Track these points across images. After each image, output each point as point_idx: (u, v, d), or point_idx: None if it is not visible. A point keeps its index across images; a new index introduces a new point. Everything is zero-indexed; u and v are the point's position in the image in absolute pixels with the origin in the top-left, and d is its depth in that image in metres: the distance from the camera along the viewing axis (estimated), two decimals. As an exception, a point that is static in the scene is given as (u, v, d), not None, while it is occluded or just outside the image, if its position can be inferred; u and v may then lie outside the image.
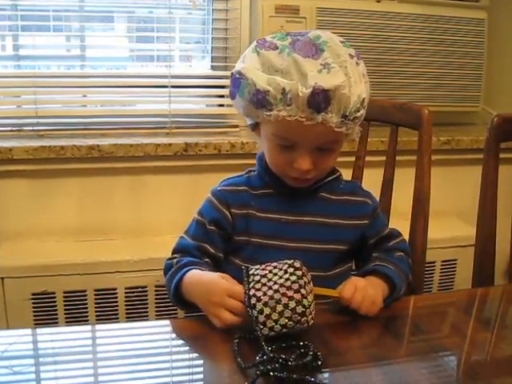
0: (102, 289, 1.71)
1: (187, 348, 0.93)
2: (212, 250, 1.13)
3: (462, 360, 0.91)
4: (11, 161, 1.74)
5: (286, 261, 0.96)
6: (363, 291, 1.00)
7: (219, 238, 1.14)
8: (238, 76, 1.05)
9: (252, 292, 0.91)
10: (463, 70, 2.18)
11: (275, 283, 0.91)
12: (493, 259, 1.30)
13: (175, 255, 1.16)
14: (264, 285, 0.92)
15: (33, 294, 1.67)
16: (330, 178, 1.16)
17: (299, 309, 0.89)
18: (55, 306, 1.69)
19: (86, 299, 1.71)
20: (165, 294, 1.75)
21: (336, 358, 0.87)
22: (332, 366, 0.85)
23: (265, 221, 1.12)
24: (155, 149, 1.83)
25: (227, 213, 1.14)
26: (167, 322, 1.29)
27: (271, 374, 0.78)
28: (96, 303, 1.72)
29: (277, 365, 0.79)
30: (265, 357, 0.81)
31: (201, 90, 2.02)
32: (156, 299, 1.76)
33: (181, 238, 1.18)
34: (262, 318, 0.89)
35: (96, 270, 1.70)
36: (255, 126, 1.13)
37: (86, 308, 1.72)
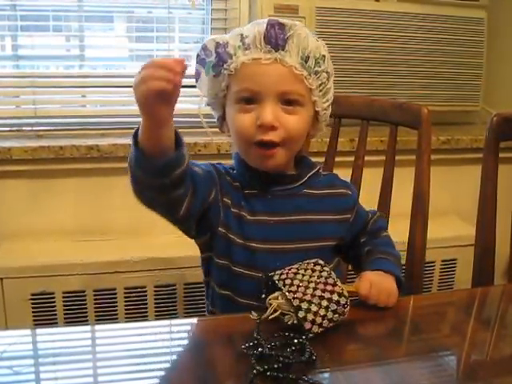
0: (101, 289, 1.71)
1: (187, 348, 0.92)
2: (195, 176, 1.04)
3: (461, 360, 0.90)
4: (10, 161, 1.74)
5: (306, 261, 0.97)
6: (378, 286, 1.01)
7: (205, 185, 1.06)
8: (202, 54, 1.06)
9: (290, 295, 0.90)
10: (463, 69, 2.18)
11: (309, 282, 0.92)
12: (493, 258, 1.30)
13: None
14: (299, 286, 0.92)
15: (32, 295, 1.66)
16: (310, 174, 1.15)
17: (343, 300, 0.92)
18: (54, 306, 1.69)
19: (85, 299, 1.71)
20: (164, 294, 1.76)
21: (335, 357, 0.87)
22: (331, 366, 0.85)
23: (255, 224, 1.09)
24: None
25: (214, 196, 1.08)
26: (166, 322, 1.29)
27: (268, 373, 0.77)
28: (95, 303, 1.72)
29: (275, 365, 0.79)
30: (260, 349, 0.82)
31: (200, 90, 2.02)
32: (155, 299, 1.76)
33: None
34: (310, 317, 0.89)
35: (95, 270, 1.69)
36: (223, 119, 1.13)
37: (86, 308, 1.71)
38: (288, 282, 0.93)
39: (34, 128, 1.87)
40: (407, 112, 1.35)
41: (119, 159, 1.82)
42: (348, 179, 1.41)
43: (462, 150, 2.13)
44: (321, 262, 0.97)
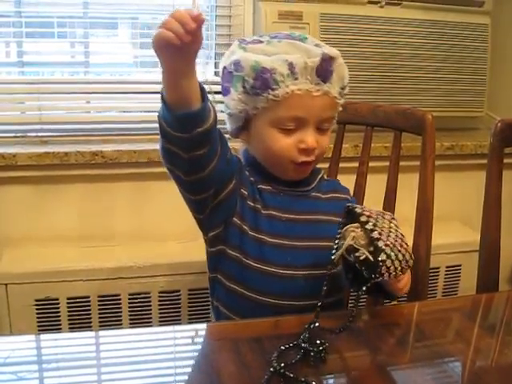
0: (106, 295, 1.71)
1: (191, 354, 0.92)
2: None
3: (466, 366, 0.90)
4: (15, 167, 1.74)
5: (380, 211, 0.99)
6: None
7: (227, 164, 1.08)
8: (231, 69, 1.06)
9: (375, 234, 0.92)
10: (467, 75, 2.18)
11: (389, 231, 0.94)
12: (497, 265, 1.30)
13: None
14: (382, 230, 0.93)
15: (36, 300, 1.66)
16: (318, 178, 1.20)
17: (410, 262, 0.94)
18: (58, 312, 1.69)
19: (89, 305, 1.70)
20: (168, 300, 1.75)
21: (340, 364, 0.86)
22: (336, 372, 0.85)
23: (267, 218, 1.12)
24: (159, 155, 1.82)
25: (235, 185, 1.10)
26: (171, 328, 1.29)
27: (276, 371, 0.78)
28: (99, 309, 1.72)
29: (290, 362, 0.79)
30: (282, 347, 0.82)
31: (204, 96, 2.02)
32: (159, 305, 1.76)
33: None
34: (389, 263, 0.91)
35: (99, 276, 1.69)
36: (242, 129, 1.14)
37: (90, 314, 1.71)
38: (372, 221, 0.93)
39: (39, 134, 1.87)
40: (411, 118, 1.35)
41: (123, 165, 1.82)
42: (352, 185, 1.41)
43: (466, 156, 2.13)
44: (395, 217, 0.98)
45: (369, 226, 0.92)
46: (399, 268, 0.92)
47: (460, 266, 2.02)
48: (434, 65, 2.13)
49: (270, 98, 1.04)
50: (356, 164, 1.46)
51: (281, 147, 1.09)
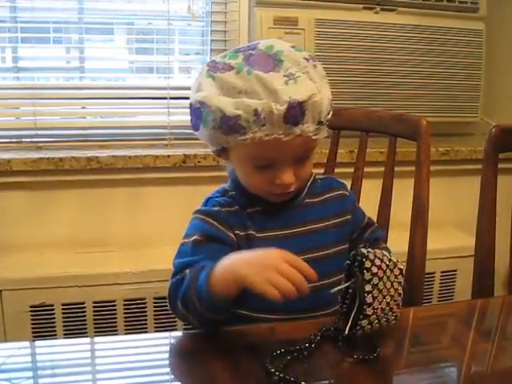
0: (101, 301, 1.71)
1: (186, 361, 0.92)
2: None
3: (462, 371, 0.90)
4: (10, 172, 1.74)
5: (394, 260, 0.94)
6: None
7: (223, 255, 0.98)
8: (198, 106, 1.00)
9: (370, 300, 0.89)
10: (462, 80, 2.19)
11: (388, 294, 0.91)
12: (492, 270, 1.30)
13: (180, 274, 1.03)
14: (380, 292, 0.90)
15: (31, 307, 1.66)
16: (309, 184, 1.15)
17: (393, 322, 0.93)
18: (54, 318, 1.68)
19: (84, 311, 1.70)
20: (164, 306, 1.75)
21: (335, 369, 0.86)
22: (331, 378, 0.84)
23: (265, 240, 1.07)
24: (154, 160, 1.83)
25: (232, 235, 1.06)
26: (166, 334, 1.29)
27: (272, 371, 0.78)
28: (95, 315, 1.71)
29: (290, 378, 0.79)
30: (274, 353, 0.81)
31: (199, 102, 2.02)
32: (155, 311, 1.76)
33: (176, 260, 1.08)
34: (366, 325, 0.89)
35: (95, 282, 1.69)
36: (221, 152, 1.08)
37: (85, 320, 1.71)
38: (375, 281, 0.90)
39: (34, 139, 1.87)
40: (406, 123, 1.35)
41: (118, 171, 1.82)
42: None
43: (461, 161, 2.13)
44: (402, 267, 0.95)
45: (368, 287, 0.89)
46: (377, 328, 0.91)
47: (455, 270, 2.02)
48: (428, 70, 2.14)
49: (238, 140, 0.99)
50: (351, 169, 1.46)
51: (257, 183, 1.06)
